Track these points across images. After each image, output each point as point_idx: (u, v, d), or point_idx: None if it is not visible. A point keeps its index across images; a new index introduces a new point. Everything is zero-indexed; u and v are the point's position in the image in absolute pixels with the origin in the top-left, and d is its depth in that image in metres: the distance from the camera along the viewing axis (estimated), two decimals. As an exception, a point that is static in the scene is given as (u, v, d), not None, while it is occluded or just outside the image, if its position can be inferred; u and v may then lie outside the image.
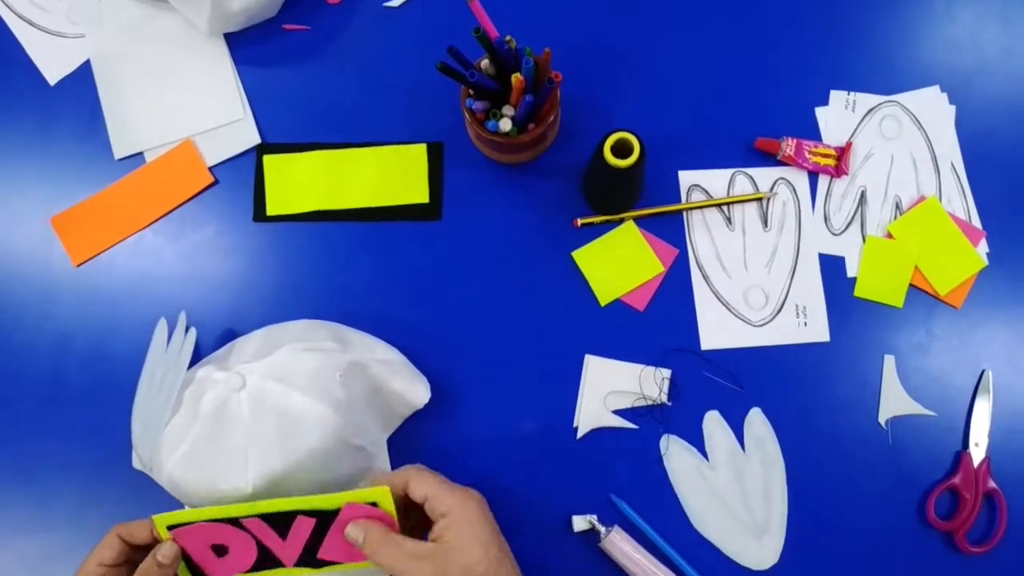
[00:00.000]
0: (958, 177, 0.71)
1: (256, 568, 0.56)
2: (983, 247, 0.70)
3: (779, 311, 0.69)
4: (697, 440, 0.66)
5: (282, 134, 0.72)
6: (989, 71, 0.73)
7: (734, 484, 0.65)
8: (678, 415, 0.67)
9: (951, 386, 0.68)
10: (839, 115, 0.72)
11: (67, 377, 0.68)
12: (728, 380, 0.67)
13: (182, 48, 0.74)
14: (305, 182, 0.71)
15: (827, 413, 0.67)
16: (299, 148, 0.72)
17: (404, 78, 0.73)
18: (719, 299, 0.69)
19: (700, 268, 0.69)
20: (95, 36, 0.75)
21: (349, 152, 0.72)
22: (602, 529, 0.63)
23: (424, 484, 0.53)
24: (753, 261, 0.70)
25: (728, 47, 0.74)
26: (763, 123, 0.72)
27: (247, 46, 0.74)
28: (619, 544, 0.62)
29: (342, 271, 0.70)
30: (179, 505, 0.64)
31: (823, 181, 0.71)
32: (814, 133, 0.72)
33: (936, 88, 0.73)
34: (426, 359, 0.67)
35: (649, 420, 0.66)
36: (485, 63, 0.63)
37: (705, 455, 0.66)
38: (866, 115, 0.72)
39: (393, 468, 0.65)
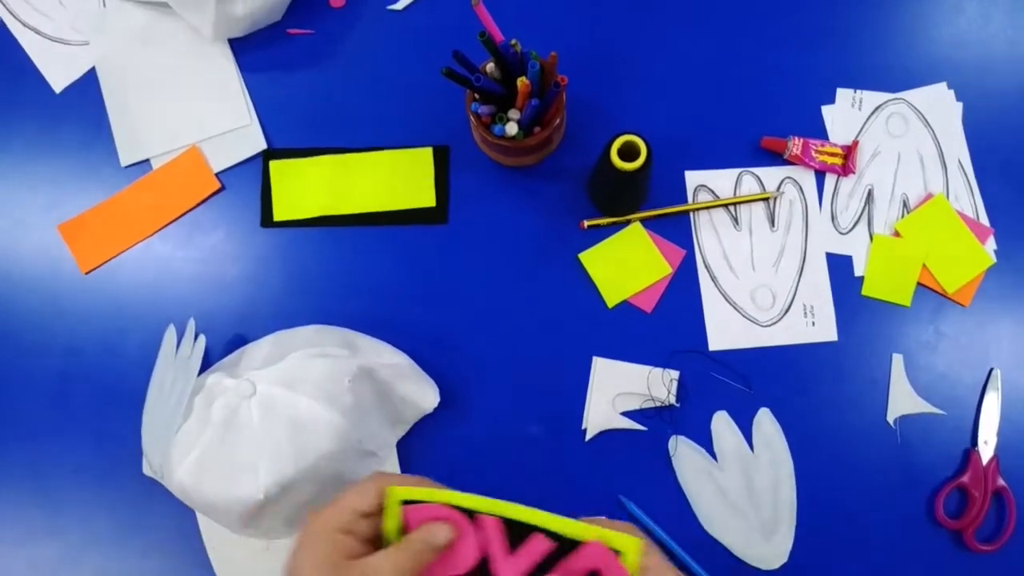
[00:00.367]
0: (965, 174, 0.71)
1: None
2: (991, 244, 0.70)
3: (787, 311, 0.69)
4: (706, 441, 0.66)
5: (288, 139, 0.72)
6: (996, 67, 0.73)
7: (743, 484, 0.65)
8: (686, 416, 0.67)
9: (959, 384, 0.67)
10: (845, 113, 0.72)
11: (76, 384, 0.69)
12: (736, 381, 0.67)
13: (187, 54, 0.74)
14: (312, 187, 0.71)
15: (835, 412, 0.67)
16: (305, 153, 0.72)
17: (409, 82, 0.73)
18: (727, 299, 0.69)
19: (707, 269, 0.69)
20: (100, 43, 0.75)
21: (355, 156, 0.72)
22: (612, 531, 0.63)
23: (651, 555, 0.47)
24: (760, 261, 0.70)
25: (733, 47, 0.74)
26: (769, 122, 0.72)
27: (252, 51, 0.74)
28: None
29: (349, 276, 0.70)
30: (190, 512, 0.65)
31: (830, 180, 0.71)
32: (820, 132, 0.72)
33: (943, 85, 0.73)
34: (434, 363, 0.67)
35: (657, 421, 0.67)
36: (490, 67, 0.63)
37: (714, 455, 0.66)
38: (873, 113, 0.72)
39: (403, 471, 0.65)
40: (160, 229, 0.71)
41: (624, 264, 0.69)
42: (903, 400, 0.67)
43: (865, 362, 0.68)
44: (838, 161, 0.71)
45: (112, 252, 0.71)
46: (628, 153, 0.62)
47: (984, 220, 0.70)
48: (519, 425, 0.67)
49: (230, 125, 0.72)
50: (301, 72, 0.74)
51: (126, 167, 0.73)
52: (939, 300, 0.69)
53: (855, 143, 0.71)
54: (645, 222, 0.70)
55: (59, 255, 0.71)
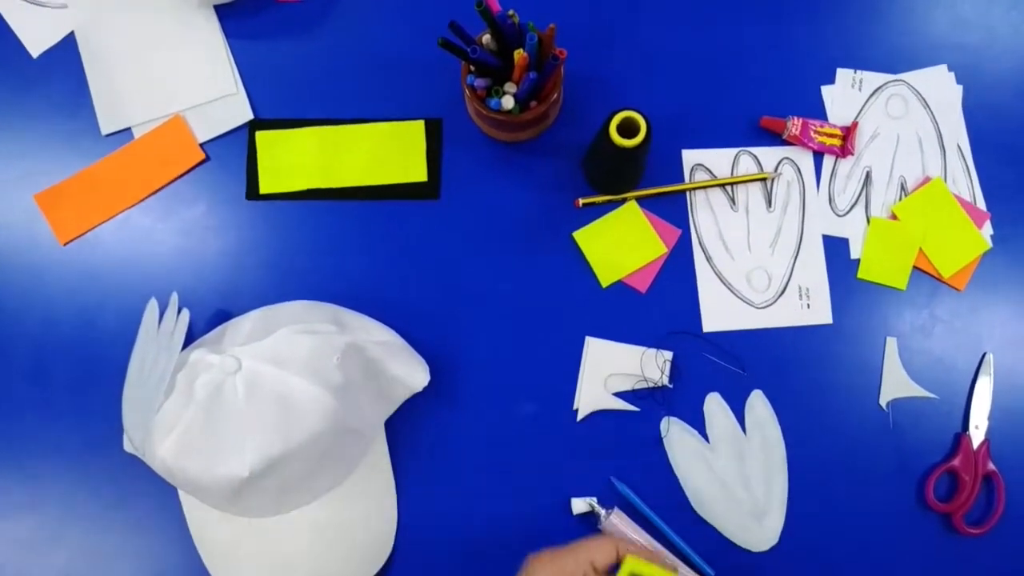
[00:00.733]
0: (964, 158, 0.71)
1: None
2: (987, 229, 0.69)
3: (782, 293, 0.68)
4: (698, 422, 0.66)
5: (275, 110, 0.70)
6: (997, 50, 0.72)
7: (735, 466, 0.65)
8: (679, 397, 0.66)
9: (953, 368, 0.67)
10: (845, 94, 0.71)
11: (54, 359, 0.67)
12: (730, 362, 0.67)
13: (171, 20, 0.72)
14: (299, 159, 0.69)
15: (828, 395, 0.67)
16: (293, 124, 0.70)
17: (401, 52, 0.71)
18: (722, 280, 0.68)
19: (703, 249, 0.68)
20: (79, 6, 0.72)
21: (345, 128, 0.70)
22: (602, 511, 0.62)
23: None
24: (757, 242, 0.69)
25: (733, 24, 0.72)
26: (768, 102, 0.71)
27: (238, 18, 0.72)
28: (619, 526, 0.62)
29: (338, 251, 0.68)
30: (172, 489, 0.63)
31: (828, 161, 0.70)
32: (820, 112, 0.71)
33: (943, 67, 0.72)
34: (424, 341, 0.66)
35: (650, 402, 0.66)
36: (487, 38, 0.61)
37: (706, 437, 0.66)
38: (872, 94, 0.71)
39: (390, 451, 0.64)
40: (142, 200, 0.69)
41: (619, 243, 0.68)
42: (896, 384, 0.66)
43: (859, 345, 0.67)
44: (837, 142, 0.70)
45: (91, 223, 0.69)
46: (627, 130, 0.60)
47: (981, 204, 0.70)
48: (510, 405, 0.66)
49: (215, 94, 0.70)
50: (290, 40, 0.72)
51: (107, 136, 0.70)
52: (934, 284, 0.69)
53: (854, 124, 0.70)
54: (641, 201, 0.69)
55: (36, 226, 0.69)
